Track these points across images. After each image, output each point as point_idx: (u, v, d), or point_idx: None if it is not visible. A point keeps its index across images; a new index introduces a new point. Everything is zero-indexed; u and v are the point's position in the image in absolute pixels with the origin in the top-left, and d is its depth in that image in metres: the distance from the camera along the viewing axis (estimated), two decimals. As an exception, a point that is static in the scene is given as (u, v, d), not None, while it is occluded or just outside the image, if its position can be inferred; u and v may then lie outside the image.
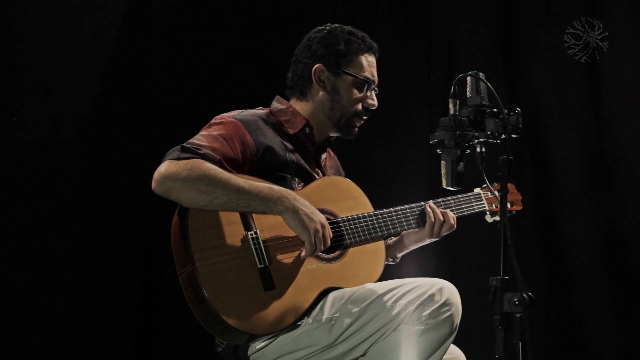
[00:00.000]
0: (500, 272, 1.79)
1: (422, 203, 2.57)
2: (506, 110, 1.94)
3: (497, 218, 2.69)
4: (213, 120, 2.35)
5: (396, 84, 3.77)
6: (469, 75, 2.01)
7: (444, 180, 2.01)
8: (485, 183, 2.01)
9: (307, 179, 2.41)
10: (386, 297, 2.16)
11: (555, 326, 4.01)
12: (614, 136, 4.08)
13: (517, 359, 1.75)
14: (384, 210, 2.47)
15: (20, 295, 3.15)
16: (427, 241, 2.61)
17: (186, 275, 2.16)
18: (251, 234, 2.20)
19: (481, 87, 1.99)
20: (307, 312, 2.22)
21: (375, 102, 2.53)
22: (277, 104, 2.53)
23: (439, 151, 2.00)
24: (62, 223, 3.25)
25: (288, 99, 2.55)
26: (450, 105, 1.98)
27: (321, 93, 2.48)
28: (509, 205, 2.74)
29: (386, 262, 2.63)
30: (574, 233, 4.05)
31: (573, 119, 4.12)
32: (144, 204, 3.46)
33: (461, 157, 1.98)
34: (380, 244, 2.44)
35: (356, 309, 2.17)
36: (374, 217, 2.43)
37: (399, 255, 2.68)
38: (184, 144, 2.20)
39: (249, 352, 2.26)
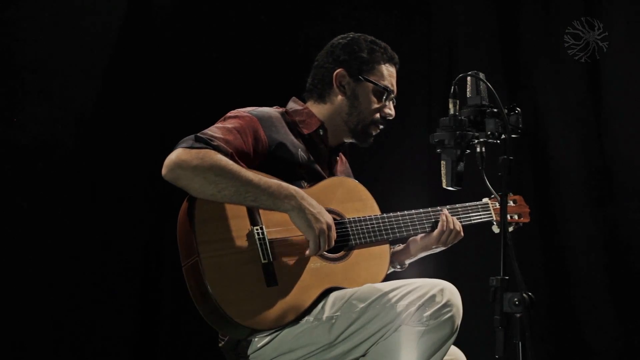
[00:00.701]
0: (500, 272, 1.79)
1: (430, 209, 2.58)
2: (506, 110, 1.94)
3: None
4: (228, 114, 2.36)
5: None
6: (469, 75, 2.01)
7: (443, 180, 2.01)
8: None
9: (317, 179, 2.41)
10: (387, 298, 2.16)
11: (555, 326, 4.01)
12: (614, 136, 4.08)
13: (517, 359, 1.75)
14: (391, 214, 2.48)
15: (20, 295, 3.15)
16: (435, 249, 2.62)
17: (190, 266, 2.16)
18: (257, 229, 2.20)
19: (481, 87, 1.99)
20: (309, 310, 2.22)
21: (393, 112, 2.56)
22: (293, 105, 2.54)
23: (439, 151, 2.00)
24: (62, 223, 3.25)
25: (304, 101, 2.56)
26: (450, 105, 1.98)
27: (340, 97, 2.51)
28: (516, 217, 2.80)
29: (394, 268, 2.65)
30: (574, 233, 4.05)
31: (573, 119, 4.12)
32: (144, 203, 3.46)
33: (461, 157, 1.98)
34: (385, 247, 2.45)
35: (357, 309, 2.17)
36: (380, 220, 2.44)
37: (407, 262, 2.68)
38: (198, 134, 2.20)
39: (249, 352, 2.26)
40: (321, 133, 2.49)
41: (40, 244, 3.20)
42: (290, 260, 2.24)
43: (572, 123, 4.11)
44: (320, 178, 2.43)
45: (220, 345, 2.35)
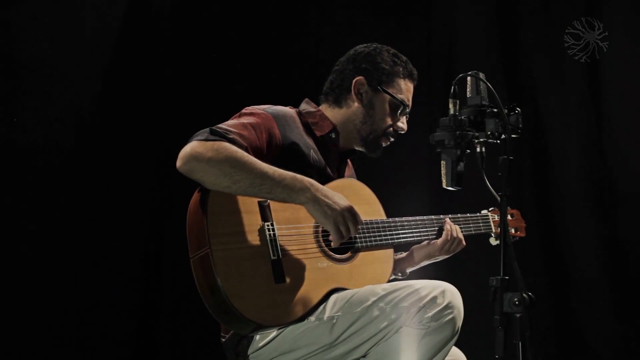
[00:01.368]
0: (500, 272, 1.79)
1: (434, 217, 2.61)
2: (506, 110, 1.94)
3: None
4: (244, 110, 2.36)
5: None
6: (469, 75, 2.01)
7: (443, 180, 2.01)
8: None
9: (326, 181, 2.41)
10: (388, 299, 2.16)
11: (555, 326, 4.01)
12: (614, 136, 4.08)
13: (517, 359, 1.75)
14: (396, 219, 2.50)
15: (20, 295, 3.15)
16: (438, 257, 2.64)
17: (199, 258, 2.16)
18: (268, 225, 2.21)
19: (481, 87, 1.99)
20: (314, 309, 2.23)
21: (405, 127, 2.58)
22: (306, 106, 2.56)
23: (439, 151, 2.00)
24: (62, 223, 3.25)
25: (318, 103, 2.58)
26: (450, 105, 1.98)
27: (356, 105, 2.52)
28: (513, 230, 2.85)
29: (394, 276, 2.65)
30: (574, 233, 4.06)
31: (573, 119, 4.12)
32: (144, 203, 3.46)
33: (461, 157, 1.98)
34: (390, 252, 2.47)
35: (358, 310, 2.18)
36: (385, 224, 2.46)
37: (408, 270, 2.69)
38: (213, 127, 2.20)
39: (249, 351, 2.26)
40: (333, 136, 2.50)
41: (40, 244, 3.20)
42: (298, 259, 2.25)
43: (572, 123, 4.11)
44: (329, 180, 2.43)
45: (222, 340, 2.35)
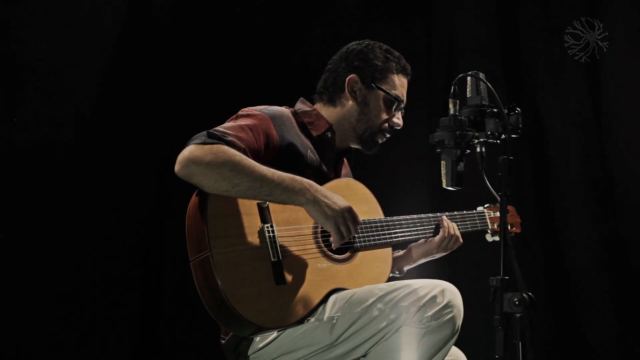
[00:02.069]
0: (500, 272, 1.79)
1: (431, 215, 2.61)
2: (506, 110, 1.94)
3: (497, 238, 2.79)
4: (240, 112, 2.36)
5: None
6: (469, 75, 2.01)
7: (444, 180, 2.01)
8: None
9: (323, 181, 2.41)
10: (388, 299, 2.16)
11: (555, 326, 4.01)
12: (614, 136, 4.08)
13: (517, 359, 1.75)
14: (394, 218, 2.49)
15: (20, 295, 3.15)
16: (436, 255, 2.64)
17: (200, 261, 2.15)
18: (267, 227, 2.21)
19: (481, 87, 1.99)
20: (315, 310, 2.23)
21: (401, 123, 2.57)
22: (301, 105, 2.55)
23: (439, 151, 2.01)
24: (62, 223, 3.25)
25: (312, 103, 2.57)
26: (450, 105, 1.98)
27: (351, 103, 2.52)
28: (508, 226, 2.81)
29: (392, 274, 2.65)
30: (574, 233, 4.05)
31: (573, 118, 4.12)
32: (144, 203, 3.46)
33: (461, 157, 1.98)
34: (388, 251, 2.47)
35: (357, 309, 2.18)
36: (383, 224, 2.46)
37: (406, 268, 2.69)
38: (211, 130, 2.20)
39: (250, 352, 2.26)
40: (329, 135, 2.50)
41: (40, 244, 3.20)
42: (298, 260, 2.25)
43: (572, 123, 4.11)
44: (326, 180, 2.43)
45: (222, 342, 2.35)
